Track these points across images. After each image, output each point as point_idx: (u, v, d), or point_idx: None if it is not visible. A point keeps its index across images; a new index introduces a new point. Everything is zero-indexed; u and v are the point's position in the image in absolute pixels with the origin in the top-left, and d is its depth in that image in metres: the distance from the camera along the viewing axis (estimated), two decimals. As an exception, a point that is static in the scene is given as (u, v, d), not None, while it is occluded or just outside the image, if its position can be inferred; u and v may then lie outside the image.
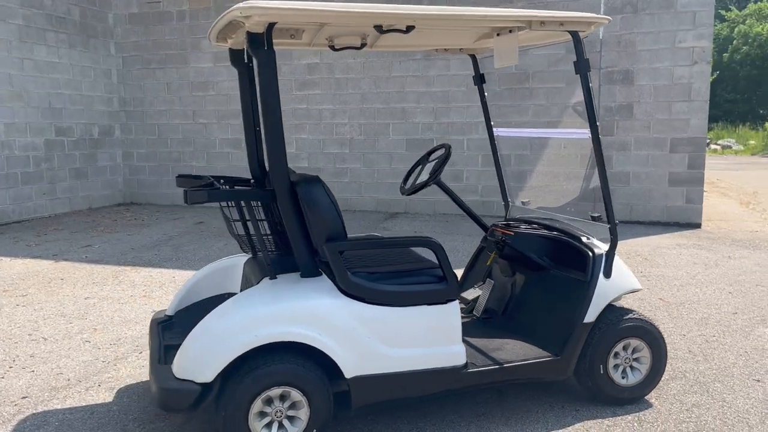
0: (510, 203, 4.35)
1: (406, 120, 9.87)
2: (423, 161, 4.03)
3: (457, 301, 3.05)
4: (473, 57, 4.31)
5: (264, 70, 2.86)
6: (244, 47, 3.50)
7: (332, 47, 3.76)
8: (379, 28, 2.97)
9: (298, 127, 10.42)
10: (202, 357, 2.74)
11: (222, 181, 3.45)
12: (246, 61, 3.53)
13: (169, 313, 3.63)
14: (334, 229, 2.90)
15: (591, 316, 3.25)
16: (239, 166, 10.75)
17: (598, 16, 3.16)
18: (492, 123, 4.36)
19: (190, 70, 10.83)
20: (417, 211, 9.99)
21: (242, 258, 3.70)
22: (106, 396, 3.57)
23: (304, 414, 2.84)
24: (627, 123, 8.90)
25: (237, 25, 3.01)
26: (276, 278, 3.03)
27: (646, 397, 3.47)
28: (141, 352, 4.22)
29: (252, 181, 3.61)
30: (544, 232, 3.71)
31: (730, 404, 3.43)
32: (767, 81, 35.85)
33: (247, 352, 2.75)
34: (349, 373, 2.86)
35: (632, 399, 3.40)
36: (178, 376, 2.76)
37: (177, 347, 3.23)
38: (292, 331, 2.79)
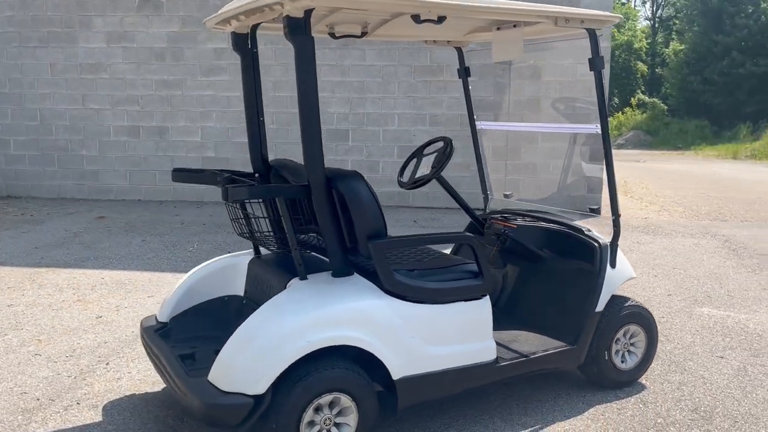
0: (490, 196, 4.43)
1: (321, 110, 9.64)
2: (418, 154, 3.99)
3: (488, 296, 3.07)
4: (459, 50, 4.31)
5: (302, 58, 2.71)
6: (248, 32, 3.27)
7: (332, 35, 3.62)
8: (416, 18, 2.89)
9: (203, 114, 9.90)
10: (254, 367, 2.55)
11: (226, 175, 3.22)
12: (250, 46, 3.30)
13: (163, 319, 3.33)
14: (377, 227, 2.80)
15: (601, 305, 3.39)
16: (136, 156, 10.04)
17: (612, 14, 3.28)
18: (475, 116, 4.40)
19: (79, 50, 9.92)
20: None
21: (242, 258, 3.48)
22: (92, 415, 3.21)
23: (352, 420, 2.73)
24: (535, 116, 9.34)
25: (262, 9, 2.80)
26: (307, 278, 2.87)
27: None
28: (107, 363, 3.84)
29: (256, 175, 3.39)
30: (544, 224, 3.82)
31: (710, 381, 3.73)
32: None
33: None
34: (396, 374, 2.78)
35: (629, 382, 3.60)
36: (225, 389, 2.55)
37: (191, 357, 2.99)
38: (344, 334, 2.67)
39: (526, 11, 3.01)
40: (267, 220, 3.14)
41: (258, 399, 2.53)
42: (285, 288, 2.91)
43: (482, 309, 3.02)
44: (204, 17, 10.05)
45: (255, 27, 3.27)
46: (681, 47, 34.54)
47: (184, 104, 9.91)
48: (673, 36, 39.25)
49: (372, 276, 2.90)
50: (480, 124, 4.43)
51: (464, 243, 3.01)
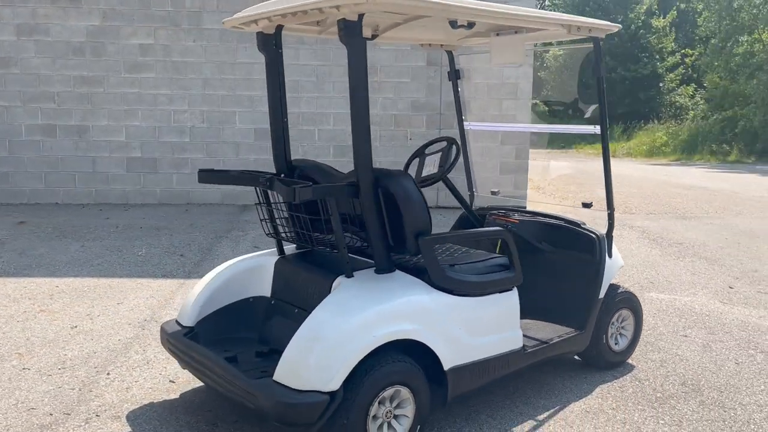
0: (475, 193, 4.63)
1: (254, 108, 9.56)
2: (420, 154, 4.11)
3: (516, 288, 3.26)
4: (450, 53, 4.47)
5: (356, 60, 2.76)
6: (272, 32, 3.26)
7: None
8: (453, 24, 3.01)
9: (128, 113, 9.47)
10: (327, 364, 2.58)
11: (268, 176, 3.20)
12: (275, 46, 3.29)
13: (189, 323, 3.26)
14: (425, 224, 2.91)
15: (602, 292, 3.69)
16: (52, 156, 9.43)
17: (612, 24, 3.55)
18: (464, 117, 4.58)
19: (-15, 43, 9.19)
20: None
21: (264, 258, 3.45)
22: (119, 426, 3.09)
23: (410, 411, 2.82)
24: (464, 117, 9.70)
25: (313, 11, 2.83)
26: (353, 276, 2.94)
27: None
28: (108, 374, 3.69)
29: (282, 175, 3.39)
30: (543, 219, 4.06)
31: (684, 358, 4.13)
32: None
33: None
34: (446, 365, 2.91)
35: (621, 362, 3.93)
36: (298, 388, 2.56)
37: (233, 359, 2.98)
38: (404, 328, 2.76)
39: (551, 19, 3.22)
40: (297, 219, 3.16)
41: (332, 396, 2.58)
42: (330, 286, 2.96)
43: (513, 300, 3.22)
44: (127, 11, 9.69)
45: (280, 27, 3.27)
46: (560, 53, 36.84)
47: (107, 102, 9.42)
48: (553, 43, 41.69)
49: (413, 271, 3.01)
50: (468, 125, 4.61)
51: (499, 238, 3.18)
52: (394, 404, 2.79)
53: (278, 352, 3.05)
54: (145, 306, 4.93)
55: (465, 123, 4.58)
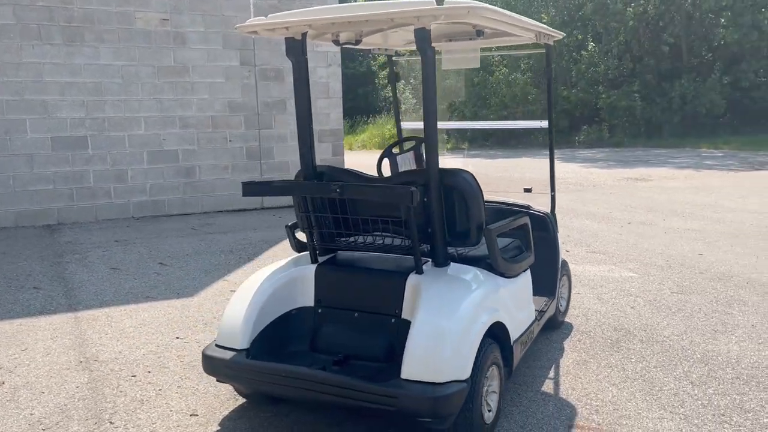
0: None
1: (49, 115, 8.39)
2: (389, 154, 4.26)
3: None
4: (390, 57, 4.67)
5: (430, 68, 2.92)
6: (300, 37, 3.20)
7: (336, 42, 3.69)
8: (480, 32, 3.30)
9: None
10: (459, 353, 2.72)
11: (340, 183, 3.13)
12: (301, 53, 3.22)
13: (243, 345, 3.05)
14: (484, 216, 3.18)
15: (559, 263, 4.31)
16: None
17: (559, 32, 4.12)
18: (401, 119, 4.81)
19: None
20: (84, 220, 8.65)
21: (297, 269, 3.34)
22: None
23: (497, 386, 3.09)
24: (283, 117, 9.76)
25: (387, 22, 2.92)
26: (423, 272, 3.09)
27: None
28: (111, 422, 3.24)
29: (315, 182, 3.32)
30: (498, 205, 4.53)
31: (596, 310, 4.98)
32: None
33: None
34: (513, 339, 3.24)
35: (563, 322, 4.62)
36: (438, 381, 2.66)
37: (322, 369, 2.94)
38: (495, 313, 3.02)
39: (533, 26, 3.66)
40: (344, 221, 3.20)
41: (466, 383, 2.74)
42: (404, 285, 3.06)
43: (529, 277, 3.65)
44: None
45: (305, 33, 3.22)
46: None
47: None
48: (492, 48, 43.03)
49: (465, 261, 3.27)
50: (405, 125, 4.87)
51: (526, 222, 3.56)
52: (488, 382, 3.04)
53: (355, 358, 3.08)
54: (59, 347, 4.27)
55: (402, 123, 4.84)
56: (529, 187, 4.53)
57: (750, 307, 4.98)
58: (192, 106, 9.17)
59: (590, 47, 24.76)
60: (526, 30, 3.51)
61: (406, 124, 4.97)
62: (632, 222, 8.56)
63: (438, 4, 2.71)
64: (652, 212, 9.26)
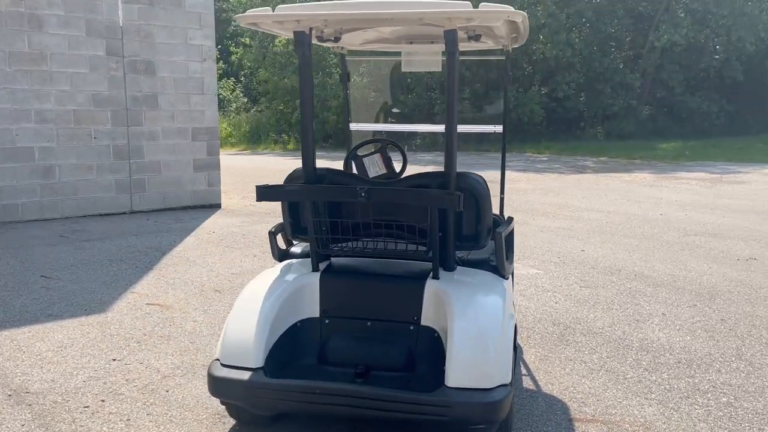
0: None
1: None
2: (354, 158, 4.10)
3: None
4: (343, 56, 4.52)
5: (455, 70, 2.91)
6: (309, 32, 2.99)
7: (319, 38, 3.50)
8: (478, 37, 3.31)
9: None
10: (503, 357, 2.72)
11: (365, 187, 2.95)
12: (309, 48, 3.02)
13: (258, 364, 2.79)
14: (491, 220, 3.21)
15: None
16: None
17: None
18: (350, 119, 4.67)
19: None
20: None
21: (298, 278, 3.12)
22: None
23: None
24: (154, 113, 9.04)
25: (419, 22, 2.85)
26: (439, 278, 3.06)
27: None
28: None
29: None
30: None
31: (525, 306, 5.24)
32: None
33: None
34: (517, 338, 3.31)
35: None
36: (487, 386, 2.63)
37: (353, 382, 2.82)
38: (513, 314, 3.07)
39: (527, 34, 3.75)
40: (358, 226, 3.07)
41: (510, 386, 2.74)
42: (422, 291, 3.00)
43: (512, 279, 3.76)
44: None
45: (311, 28, 3.03)
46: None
47: None
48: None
49: (468, 264, 3.29)
50: (354, 126, 4.74)
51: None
52: (513, 385, 3.08)
53: (375, 369, 2.97)
54: (-26, 380, 3.62)
55: (351, 124, 4.71)
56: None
57: (650, 297, 5.53)
58: (51, 99, 8.17)
59: (426, 55, 25.93)
60: (522, 37, 3.60)
61: (359, 126, 4.85)
62: (509, 222, 9.12)
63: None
64: (518, 212, 9.93)
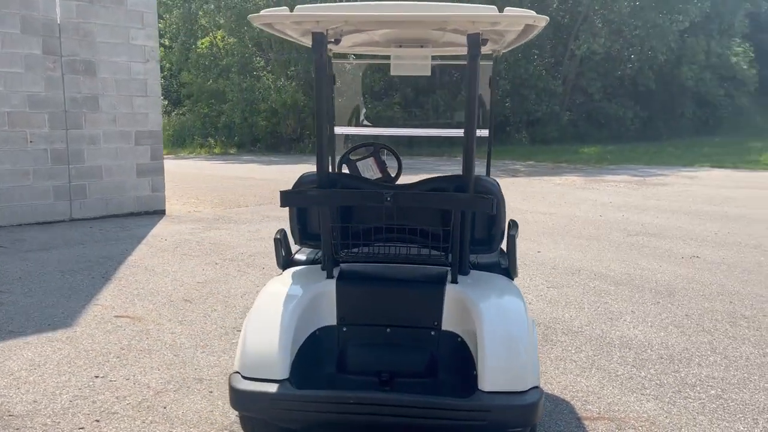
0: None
1: None
2: (347, 162, 4.02)
3: None
4: (329, 58, 4.43)
5: (476, 74, 2.91)
6: (326, 33, 2.92)
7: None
8: (485, 41, 3.32)
9: None
10: (533, 360, 2.73)
11: (391, 192, 2.88)
12: (326, 49, 2.94)
13: (284, 375, 2.69)
14: (505, 224, 3.23)
15: None
16: None
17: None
18: (335, 123, 4.58)
19: None
20: None
21: (314, 286, 3.02)
22: None
23: None
24: (95, 116, 8.59)
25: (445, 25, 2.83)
26: (457, 282, 3.05)
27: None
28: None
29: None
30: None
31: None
32: None
33: None
34: None
35: None
36: (522, 389, 2.63)
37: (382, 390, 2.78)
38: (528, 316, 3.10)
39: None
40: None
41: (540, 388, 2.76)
42: (442, 296, 2.98)
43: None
44: None
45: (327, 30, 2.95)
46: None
47: None
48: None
49: (478, 268, 3.30)
50: (339, 129, 4.66)
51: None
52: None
53: (397, 375, 2.93)
54: (-54, 405, 3.32)
55: (336, 128, 4.63)
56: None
57: (614, 296, 5.73)
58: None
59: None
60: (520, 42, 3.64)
61: (343, 129, 4.77)
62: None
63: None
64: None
